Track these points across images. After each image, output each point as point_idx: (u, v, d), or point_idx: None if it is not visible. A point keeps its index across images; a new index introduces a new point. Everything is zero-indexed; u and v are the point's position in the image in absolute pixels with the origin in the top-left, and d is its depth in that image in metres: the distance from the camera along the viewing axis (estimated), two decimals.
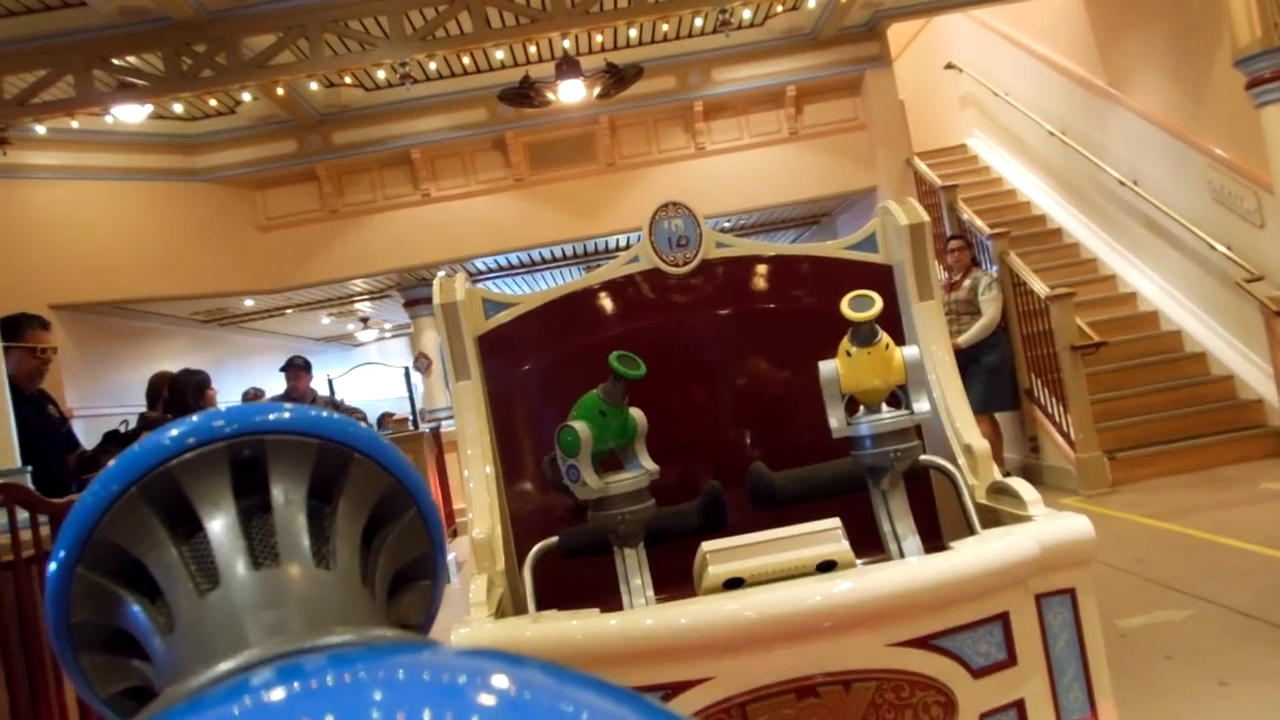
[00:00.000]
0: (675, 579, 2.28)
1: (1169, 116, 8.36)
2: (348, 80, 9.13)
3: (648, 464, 2.25)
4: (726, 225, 11.18)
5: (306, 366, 8.73)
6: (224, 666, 0.40)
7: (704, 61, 10.24)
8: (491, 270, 12.44)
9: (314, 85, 8.74)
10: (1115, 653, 2.43)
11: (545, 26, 7.85)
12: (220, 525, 0.51)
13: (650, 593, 2.21)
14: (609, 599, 2.19)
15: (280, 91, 8.41)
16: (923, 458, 2.34)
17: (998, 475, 2.48)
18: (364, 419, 9.81)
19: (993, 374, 7.55)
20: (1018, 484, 2.32)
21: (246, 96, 8.43)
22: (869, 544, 2.25)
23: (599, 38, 8.79)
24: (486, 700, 0.32)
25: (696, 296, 2.88)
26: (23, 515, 3.66)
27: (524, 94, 8.99)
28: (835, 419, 2.22)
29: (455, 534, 9.63)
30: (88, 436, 6.50)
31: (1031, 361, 7.86)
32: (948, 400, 2.64)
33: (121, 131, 9.21)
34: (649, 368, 2.21)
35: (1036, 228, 10.05)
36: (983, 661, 1.94)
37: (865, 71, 10.44)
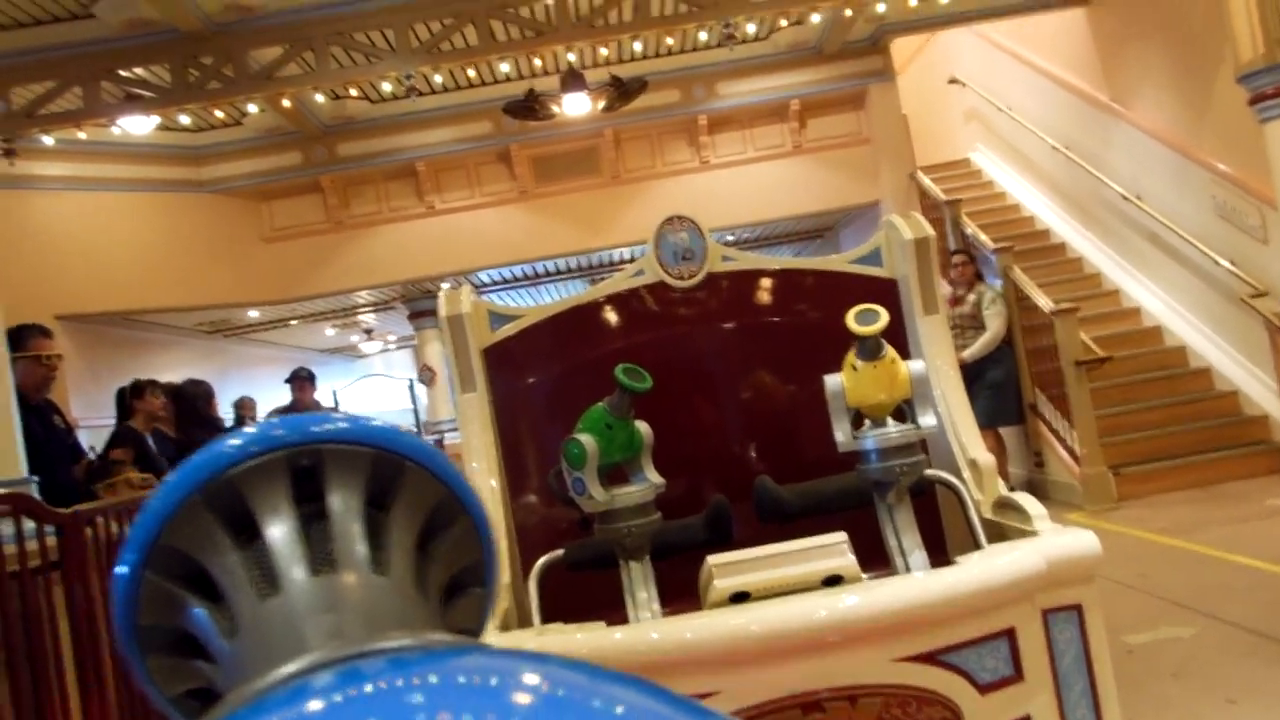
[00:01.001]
0: (681, 592, 2.27)
1: (1172, 132, 8.37)
2: (353, 92, 9.16)
3: (653, 477, 2.25)
4: (730, 239, 11.20)
5: (311, 378, 8.75)
6: (286, 669, 0.41)
7: (708, 75, 10.27)
8: (495, 282, 12.46)
9: (319, 97, 8.78)
10: (1122, 669, 2.42)
11: (550, 40, 7.87)
12: (280, 532, 0.52)
13: (656, 606, 2.21)
14: (614, 613, 2.19)
15: (286, 104, 8.45)
16: (928, 472, 2.34)
17: (1003, 490, 2.47)
18: None
19: (997, 389, 7.54)
20: (1023, 499, 2.32)
21: (253, 108, 8.46)
22: (874, 558, 2.25)
23: (604, 51, 8.82)
24: (544, 702, 0.33)
25: (702, 310, 2.89)
26: (28, 524, 3.66)
27: (529, 107, 9.02)
28: (841, 433, 2.23)
29: None
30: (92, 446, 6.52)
31: (1035, 376, 7.86)
32: (953, 415, 2.64)
33: (128, 143, 9.24)
34: (655, 381, 2.22)
35: (1040, 242, 10.05)
36: (989, 677, 1.93)
37: (869, 86, 10.47)
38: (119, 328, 9.96)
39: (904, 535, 2.23)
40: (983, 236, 8.80)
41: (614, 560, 2.26)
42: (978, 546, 2.23)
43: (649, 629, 1.95)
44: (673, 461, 2.44)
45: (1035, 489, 7.48)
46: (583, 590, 2.36)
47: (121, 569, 0.52)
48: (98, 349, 9.45)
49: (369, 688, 0.35)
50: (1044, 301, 7.59)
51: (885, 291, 2.79)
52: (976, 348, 7.48)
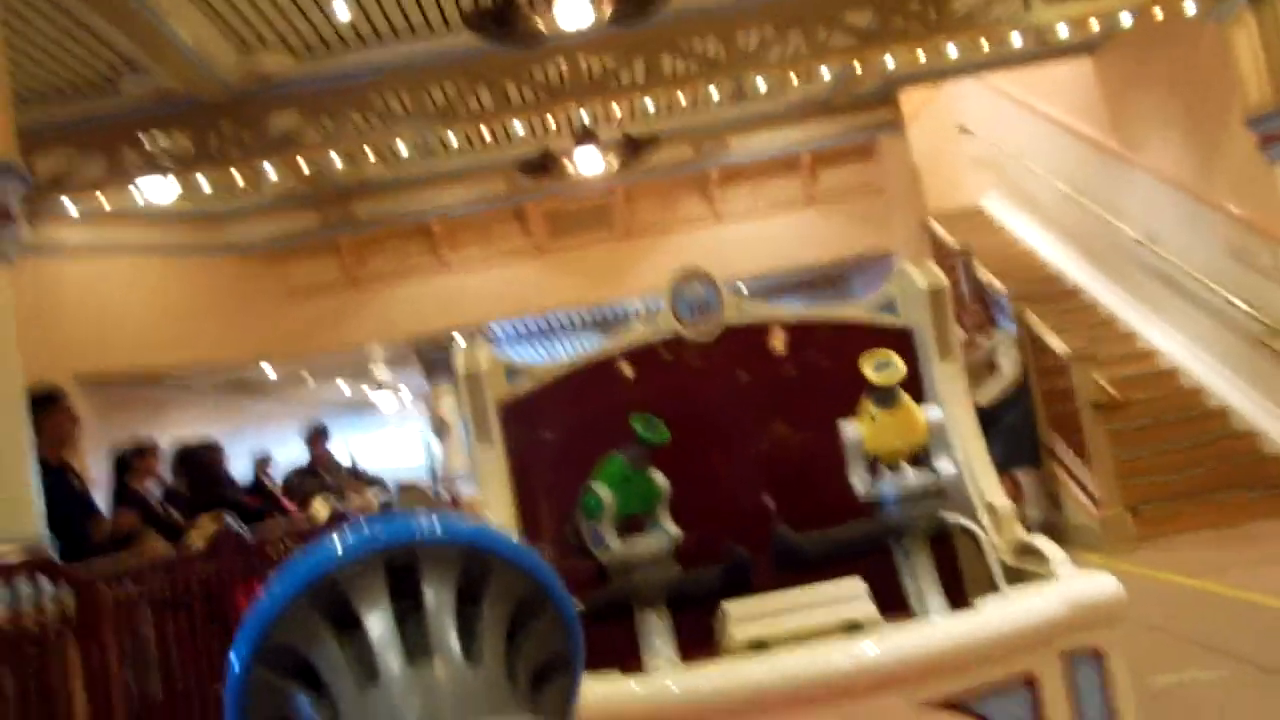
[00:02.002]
0: (698, 640, 2.27)
1: (1183, 176, 8.41)
2: (370, 155, 9.29)
3: (670, 528, 2.26)
4: (742, 289, 11.23)
5: (326, 433, 8.81)
6: None
7: (720, 130, 10.39)
8: (509, 335, 12.53)
9: (337, 160, 8.91)
10: (1147, 713, 2.39)
11: (563, 100, 7.99)
12: (379, 626, 0.56)
13: (673, 654, 2.20)
14: (631, 662, 2.18)
15: (304, 169, 8.58)
16: (947, 517, 2.34)
17: (1022, 534, 2.47)
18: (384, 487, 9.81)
19: (1013, 432, 7.51)
20: (1043, 542, 2.31)
21: (271, 172, 8.59)
22: (893, 603, 2.24)
23: (616, 110, 8.94)
24: None
25: (718, 362, 2.90)
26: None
27: (543, 166, 9.14)
28: (860, 481, 2.23)
29: None
30: (108, 507, 6.54)
31: (1051, 419, 7.82)
32: (970, 460, 2.64)
33: (149, 208, 9.38)
34: (671, 432, 2.23)
35: (1053, 287, 10.05)
36: None
37: (879, 137, 10.57)
38: (135, 388, 10.03)
39: (923, 580, 2.22)
40: (996, 282, 8.81)
41: (631, 610, 2.26)
42: (997, 591, 2.22)
43: (666, 678, 1.95)
44: (690, 512, 2.45)
45: (1053, 531, 7.39)
46: (601, 640, 2.35)
47: (234, 663, 0.56)
48: (113, 411, 9.50)
49: None
50: (1059, 345, 7.59)
51: (899, 339, 2.80)
52: (993, 393, 7.46)
